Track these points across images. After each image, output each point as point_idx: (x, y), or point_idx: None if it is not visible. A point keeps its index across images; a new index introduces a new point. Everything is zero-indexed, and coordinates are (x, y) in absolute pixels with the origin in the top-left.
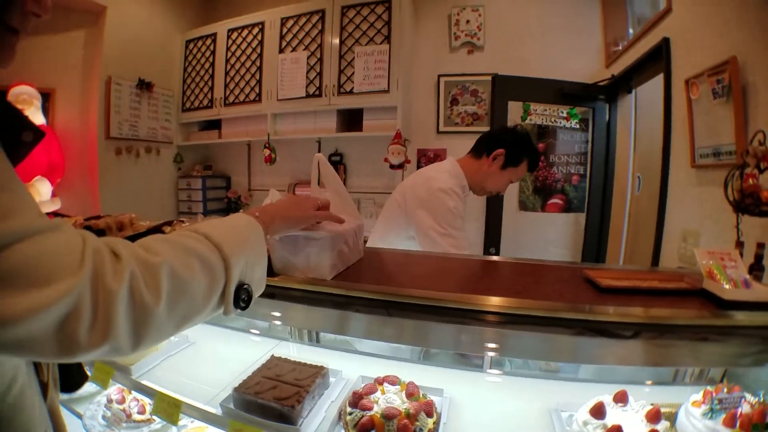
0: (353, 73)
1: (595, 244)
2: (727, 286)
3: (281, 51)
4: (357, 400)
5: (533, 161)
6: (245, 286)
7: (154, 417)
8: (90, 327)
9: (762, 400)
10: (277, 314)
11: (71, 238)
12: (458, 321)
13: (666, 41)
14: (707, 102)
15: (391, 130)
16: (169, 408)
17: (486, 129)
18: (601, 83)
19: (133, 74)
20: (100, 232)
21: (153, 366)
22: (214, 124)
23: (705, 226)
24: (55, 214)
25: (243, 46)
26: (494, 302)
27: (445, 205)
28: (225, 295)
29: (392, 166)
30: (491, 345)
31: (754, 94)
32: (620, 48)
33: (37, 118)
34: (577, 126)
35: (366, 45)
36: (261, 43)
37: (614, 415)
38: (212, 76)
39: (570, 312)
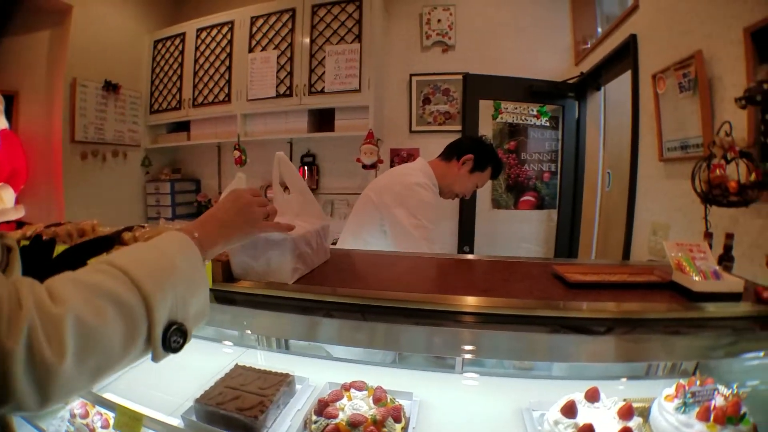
0: (324, 72)
1: (567, 240)
2: (696, 278)
3: (251, 50)
4: (322, 407)
5: (496, 169)
6: (177, 326)
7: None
8: None
9: (736, 392)
10: (237, 322)
11: None
12: (428, 322)
13: (633, 38)
14: (674, 96)
15: (363, 129)
16: (130, 422)
17: (458, 128)
18: (571, 81)
19: (99, 75)
20: (50, 242)
21: (115, 378)
22: (183, 126)
23: (674, 218)
24: (18, 222)
25: (212, 46)
26: (465, 302)
27: (420, 197)
28: (151, 339)
29: (365, 166)
30: (466, 347)
31: (719, 87)
32: (589, 46)
33: (0, 122)
34: (548, 124)
35: (337, 44)
36: (230, 42)
37: (586, 413)
38: (181, 77)
39: (540, 309)
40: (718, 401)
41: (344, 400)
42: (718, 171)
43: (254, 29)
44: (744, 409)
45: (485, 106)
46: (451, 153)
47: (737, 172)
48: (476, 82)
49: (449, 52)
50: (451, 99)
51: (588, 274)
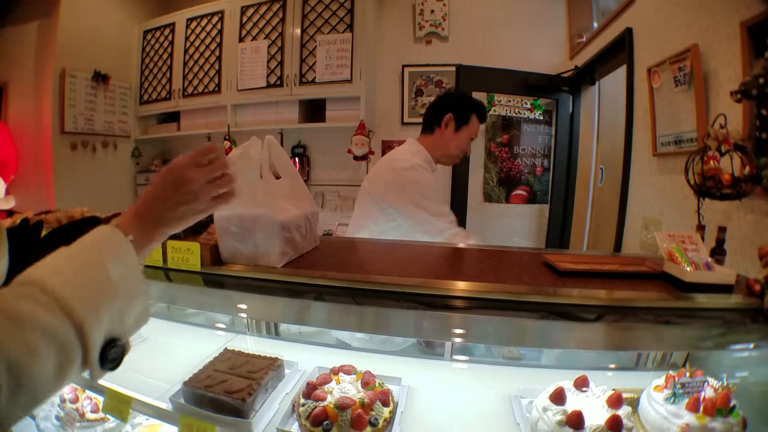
0: (315, 62)
1: (558, 235)
2: (688, 269)
3: (241, 40)
4: (311, 390)
5: (481, 113)
6: (114, 342)
7: (108, 415)
8: None
9: (725, 384)
10: (226, 305)
11: None
12: (418, 306)
13: (629, 31)
14: (669, 90)
15: (354, 120)
16: (119, 405)
17: None
18: (565, 74)
19: (89, 66)
20: (38, 224)
21: None
22: (173, 117)
23: (666, 214)
24: (8, 212)
25: (202, 36)
26: (454, 286)
27: (414, 180)
28: (88, 363)
29: (356, 158)
30: (456, 330)
31: (715, 82)
32: (584, 39)
33: None
34: (541, 118)
35: (328, 34)
36: (221, 32)
37: (574, 400)
38: (171, 67)
39: (530, 295)
40: (708, 393)
41: (332, 384)
42: (712, 163)
43: (244, 19)
44: (734, 402)
45: (479, 98)
46: (430, 122)
47: (731, 165)
48: (469, 73)
49: (440, 43)
50: (444, 91)
51: (579, 264)
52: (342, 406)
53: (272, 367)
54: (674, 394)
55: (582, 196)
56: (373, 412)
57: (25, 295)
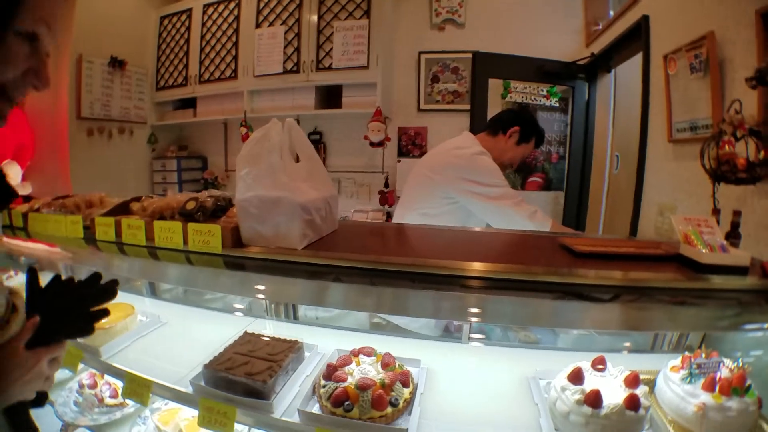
0: (332, 48)
1: (573, 222)
2: (704, 251)
3: (258, 26)
4: (331, 372)
5: (539, 139)
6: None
7: (127, 400)
8: None
9: (740, 364)
10: (246, 287)
11: None
12: (435, 287)
13: (645, 18)
14: (684, 77)
15: (370, 107)
16: (139, 389)
17: (467, 107)
18: (581, 62)
19: (105, 52)
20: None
21: (123, 347)
22: (189, 103)
23: (681, 200)
24: (25, 197)
25: (219, 22)
26: (474, 267)
27: (485, 165)
28: None
29: (372, 144)
30: (472, 310)
31: (730, 69)
32: (600, 27)
33: None
34: (557, 105)
35: (345, 20)
36: (237, 18)
37: (592, 380)
38: (187, 53)
39: (545, 275)
40: (724, 373)
41: (353, 365)
42: (727, 147)
43: (261, 4)
44: (749, 382)
45: (494, 85)
46: (496, 126)
47: (746, 150)
48: (486, 60)
49: (457, 30)
50: (460, 78)
51: (595, 246)
52: (363, 387)
53: (292, 349)
54: (690, 374)
55: (597, 183)
56: (393, 393)
57: None
